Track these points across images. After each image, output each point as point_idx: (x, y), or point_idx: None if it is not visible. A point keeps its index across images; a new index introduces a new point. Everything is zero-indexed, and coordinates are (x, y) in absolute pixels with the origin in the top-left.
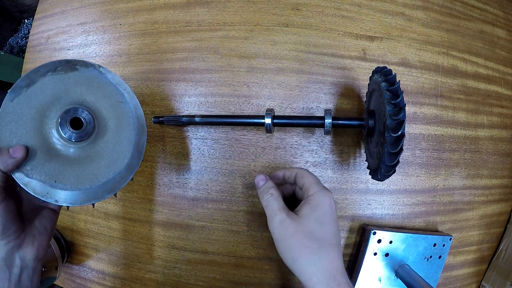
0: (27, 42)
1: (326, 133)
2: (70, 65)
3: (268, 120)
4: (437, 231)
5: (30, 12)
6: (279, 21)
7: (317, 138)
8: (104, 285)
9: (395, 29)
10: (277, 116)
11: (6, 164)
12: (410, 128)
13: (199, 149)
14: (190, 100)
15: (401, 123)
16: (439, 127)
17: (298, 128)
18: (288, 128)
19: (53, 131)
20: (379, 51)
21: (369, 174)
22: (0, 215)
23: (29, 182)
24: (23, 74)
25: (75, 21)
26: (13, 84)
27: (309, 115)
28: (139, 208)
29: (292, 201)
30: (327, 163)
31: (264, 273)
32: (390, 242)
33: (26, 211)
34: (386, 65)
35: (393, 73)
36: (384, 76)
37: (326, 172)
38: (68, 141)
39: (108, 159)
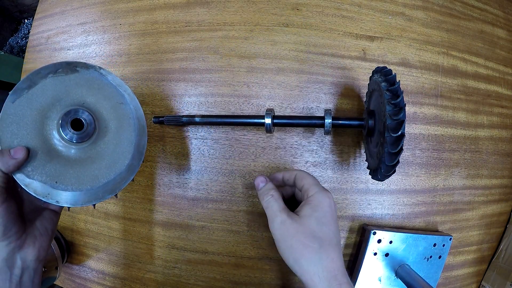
0: (27, 42)
1: (326, 133)
2: (71, 66)
3: (268, 120)
4: (437, 231)
5: (30, 12)
6: (279, 21)
7: (317, 138)
8: (104, 285)
9: (395, 29)
10: (277, 116)
11: (7, 165)
12: (410, 128)
13: (199, 149)
14: (190, 100)
15: (401, 123)
16: (439, 127)
17: (298, 128)
18: (288, 128)
19: (54, 132)
20: (379, 51)
21: (369, 174)
22: (1, 216)
23: (30, 183)
24: (23, 74)
25: (75, 21)
26: (13, 84)
27: (309, 115)
28: (139, 208)
29: (292, 202)
30: (327, 163)
31: (264, 273)
32: (390, 242)
33: (27, 212)
34: (386, 65)
35: (393, 73)
36: (384, 76)
37: (326, 172)
38: (69, 142)
39: (108, 160)
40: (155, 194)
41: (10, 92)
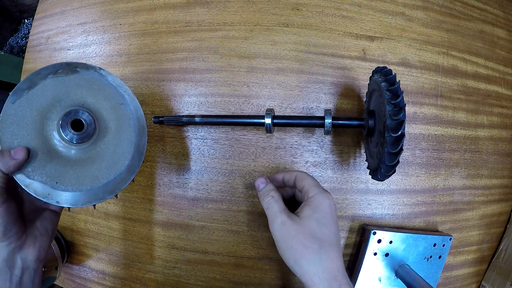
0: (27, 42)
1: (326, 133)
2: (71, 67)
3: (268, 120)
4: (437, 231)
5: (30, 12)
6: (279, 21)
7: (317, 138)
8: (104, 285)
9: (395, 29)
10: (277, 116)
11: (8, 165)
12: (410, 128)
13: (199, 149)
14: (190, 100)
15: (401, 123)
16: (439, 127)
17: (298, 128)
18: (288, 128)
19: (54, 133)
20: (379, 51)
21: (369, 174)
22: (2, 216)
23: (31, 183)
24: (23, 74)
25: (75, 21)
26: (13, 84)
27: (309, 115)
28: (139, 208)
29: (292, 203)
30: (327, 163)
31: (264, 273)
32: (390, 242)
33: (27, 213)
34: (386, 65)
35: (393, 73)
36: (384, 76)
37: (326, 172)
38: (69, 143)
39: (109, 161)
40: (155, 194)
41: (10, 93)
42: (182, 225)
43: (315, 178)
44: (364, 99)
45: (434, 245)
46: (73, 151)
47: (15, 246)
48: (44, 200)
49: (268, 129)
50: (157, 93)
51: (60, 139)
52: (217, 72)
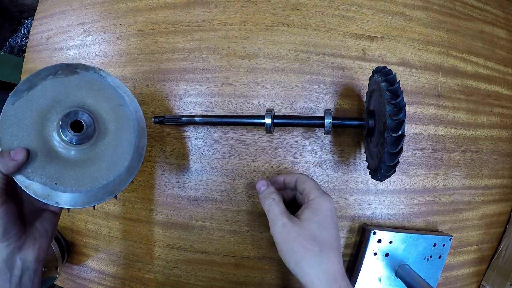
0: (27, 42)
1: (326, 133)
2: (71, 68)
3: (268, 120)
4: (437, 231)
5: (30, 12)
6: (279, 21)
7: (317, 138)
8: (104, 285)
9: (395, 29)
10: (277, 116)
11: (7, 166)
12: (410, 128)
13: (199, 149)
14: (190, 100)
15: (401, 123)
16: (439, 127)
17: (298, 128)
18: (288, 128)
19: (54, 133)
20: (379, 51)
21: (369, 174)
22: (1, 217)
23: (30, 184)
24: (23, 74)
25: (75, 21)
26: (13, 84)
27: (309, 115)
28: (139, 208)
29: (293, 205)
30: (327, 163)
31: (264, 273)
32: (390, 242)
33: (27, 213)
34: (386, 65)
35: (393, 73)
36: (384, 76)
37: (326, 172)
38: (69, 144)
39: (108, 162)
40: (155, 194)
41: (10, 94)
42: (182, 225)
43: (315, 178)
44: (364, 99)
45: (434, 245)
46: (72, 152)
47: (15, 247)
48: (43, 201)
49: (268, 129)
50: (157, 93)
51: (59, 140)
52: (217, 72)
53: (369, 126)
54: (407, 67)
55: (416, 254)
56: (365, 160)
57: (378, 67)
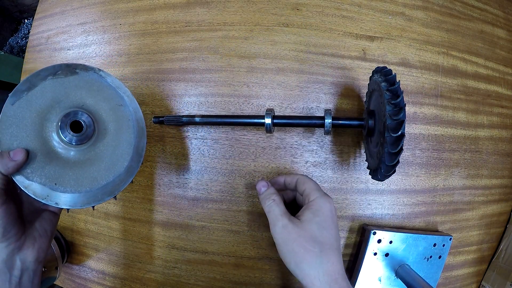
0: (27, 42)
1: (326, 133)
2: (70, 69)
3: (268, 120)
4: (437, 231)
5: (30, 12)
6: (279, 21)
7: (317, 138)
8: (104, 285)
9: (395, 29)
10: (277, 116)
11: (7, 167)
12: (410, 128)
13: (199, 149)
14: (190, 100)
15: (401, 123)
16: (439, 127)
17: (298, 128)
18: (288, 128)
19: (53, 134)
20: (379, 51)
21: (369, 174)
22: (1, 217)
23: (30, 184)
24: (23, 74)
25: (75, 21)
26: (13, 84)
27: (309, 115)
28: (139, 208)
29: (293, 206)
30: (327, 163)
31: (264, 273)
32: (390, 242)
33: (26, 214)
34: (386, 65)
35: (393, 73)
36: (384, 76)
37: (326, 172)
38: (68, 144)
39: (108, 162)
40: (155, 194)
41: (9, 94)
42: (182, 225)
43: (315, 178)
44: (364, 99)
45: (434, 245)
46: (72, 153)
47: (14, 247)
48: (43, 201)
49: (268, 129)
50: (157, 93)
51: (59, 141)
52: (217, 72)
53: (369, 126)
54: (407, 67)
55: (416, 254)
56: (365, 160)
57: (378, 67)
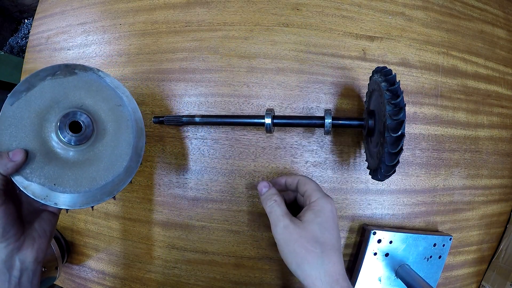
0: (27, 42)
1: (326, 133)
2: (69, 69)
3: (268, 120)
4: (437, 231)
5: (30, 12)
6: (279, 21)
7: (317, 138)
8: (104, 285)
9: (395, 29)
10: (277, 116)
11: (6, 167)
12: (410, 128)
13: (199, 149)
14: (190, 100)
15: (401, 123)
16: (439, 127)
17: (298, 128)
18: (288, 128)
19: (52, 134)
20: (379, 51)
21: (369, 174)
22: (0, 218)
23: (29, 185)
24: (23, 74)
25: (75, 21)
26: (13, 84)
27: (309, 115)
28: (139, 208)
29: (294, 207)
30: (327, 163)
31: (264, 273)
32: (390, 242)
33: (25, 214)
34: (386, 65)
35: (393, 73)
36: (384, 76)
37: (326, 172)
38: (67, 145)
39: (107, 162)
40: (155, 194)
41: (8, 95)
42: (182, 225)
43: (315, 178)
44: (364, 99)
45: (434, 245)
46: (71, 153)
47: (14, 248)
48: (42, 201)
49: (268, 129)
50: (157, 93)
51: (58, 141)
52: (217, 72)
53: (369, 126)
54: (407, 67)
55: (416, 254)
56: (365, 160)
57: (378, 67)
